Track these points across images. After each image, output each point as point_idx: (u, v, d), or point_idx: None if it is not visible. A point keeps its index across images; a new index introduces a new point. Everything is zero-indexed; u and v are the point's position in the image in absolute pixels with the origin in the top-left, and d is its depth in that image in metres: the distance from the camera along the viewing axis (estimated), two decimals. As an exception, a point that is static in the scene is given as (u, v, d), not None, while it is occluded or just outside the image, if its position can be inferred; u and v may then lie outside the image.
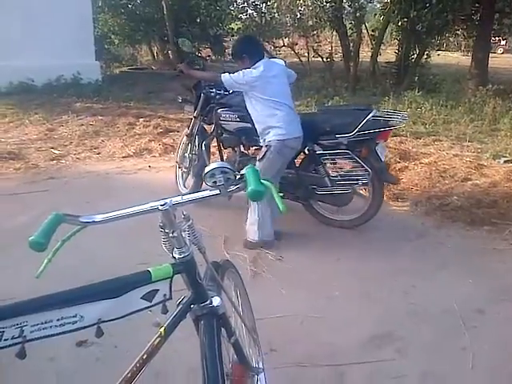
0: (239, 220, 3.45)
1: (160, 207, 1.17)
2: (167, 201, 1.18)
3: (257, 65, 3.17)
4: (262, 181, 1.12)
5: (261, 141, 3.31)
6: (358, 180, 3.33)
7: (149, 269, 1.20)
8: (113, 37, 15.33)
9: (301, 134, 3.25)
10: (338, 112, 3.91)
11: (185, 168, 4.11)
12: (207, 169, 1.19)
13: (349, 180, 3.36)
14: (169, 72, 11.98)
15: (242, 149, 3.77)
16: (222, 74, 3.22)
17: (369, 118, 3.17)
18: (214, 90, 3.72)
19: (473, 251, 3.35)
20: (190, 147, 4.04)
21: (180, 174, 4.21)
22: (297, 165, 3.60)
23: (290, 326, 2.48)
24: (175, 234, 1.19)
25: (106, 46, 14.64)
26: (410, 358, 2.27)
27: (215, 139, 3.97)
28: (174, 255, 1.22)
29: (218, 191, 1.22)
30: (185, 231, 1.23)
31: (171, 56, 13.91)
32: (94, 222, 1.23)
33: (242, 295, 1.78)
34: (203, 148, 3.91)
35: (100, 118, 7.19)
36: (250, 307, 1.87)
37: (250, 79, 3.12)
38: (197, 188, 3.81)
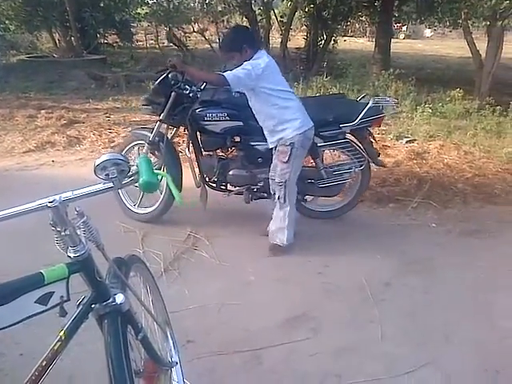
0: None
1: (48, 204, 1.09)
2: (56, 197, 1.11)
3: (257, 55, 2.88)
4: (156, 171, 1.08)
5: (272, 141, 3.02)
6: (354, 167, 3.36)
7: (41, 270, 1.13)
8: (7, 22, 14.14)
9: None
10: (327, 101, 3.77)
11: None
12: (98, 161, 1.13)
13: (346, 168, 3.36)
14: (72, 60, 11.33)
15: (220, 152, 3.45)
16: (226, 73, 2.76)
17: (370, 105, 3.21)
18: (188, 88, 3.19)
19: (380, 228, 3.54)
20: (159, 157, 3.37)
21: (125, 192, 3.54)
22: None
23: (207, 315, 2.48)
24: (68, 232, 1.11)
25: (1, 33, 13.51)
26: (324, 336, 2.35)
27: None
28: (69, 254, 1.15)
29: (111, 184, 1.16)
30: (79, 228, 1.16)
31: (74, 43, 13.10)
32: (-26, 224, 1.13)
33: (152, 289, 1.73)
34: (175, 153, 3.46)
35: (-4, 110, 6.64)
36: (162, 301, 1.82)
37: (259, 72, 2.80)
38: (170, 205, 3.40)
